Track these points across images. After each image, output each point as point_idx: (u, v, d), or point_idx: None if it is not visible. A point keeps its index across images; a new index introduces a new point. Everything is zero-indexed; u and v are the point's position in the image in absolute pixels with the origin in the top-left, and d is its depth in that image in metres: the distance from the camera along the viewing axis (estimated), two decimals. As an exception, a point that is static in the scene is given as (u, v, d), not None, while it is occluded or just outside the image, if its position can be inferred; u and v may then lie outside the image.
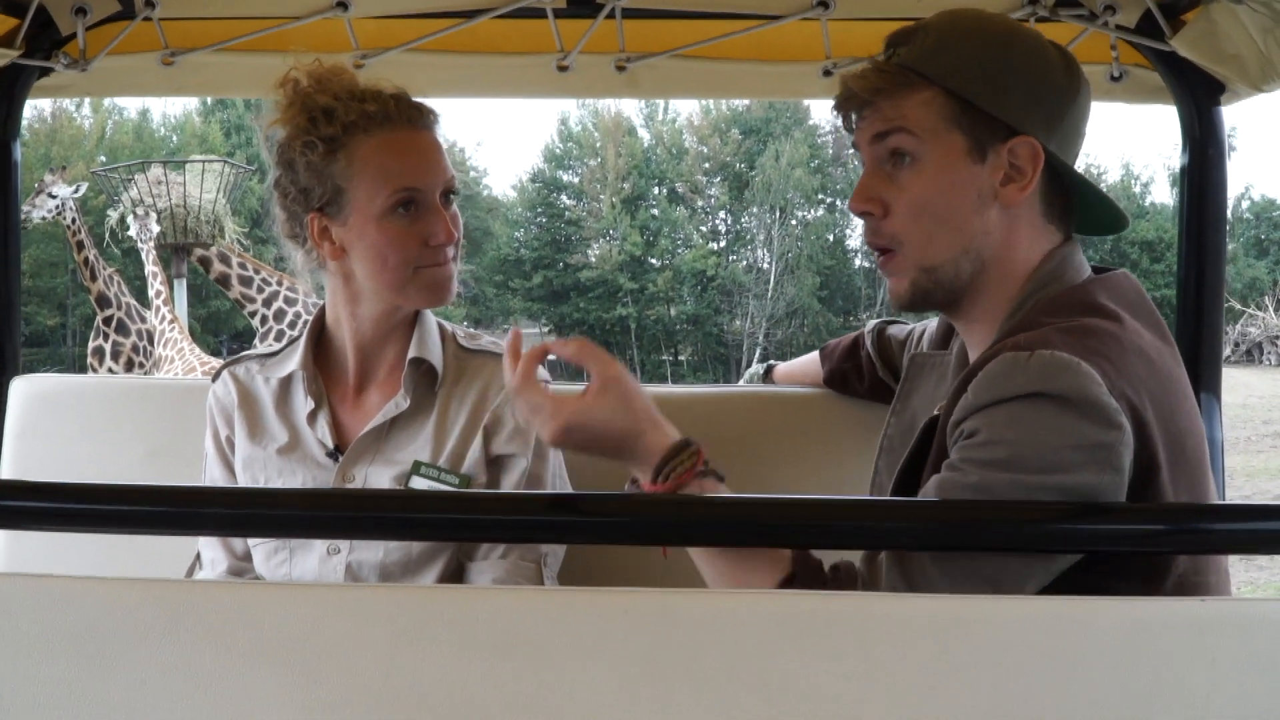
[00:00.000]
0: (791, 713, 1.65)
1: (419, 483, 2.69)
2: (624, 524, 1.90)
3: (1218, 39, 2.92)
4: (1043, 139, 2.18)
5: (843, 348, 3.24)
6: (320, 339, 2.87)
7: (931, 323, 2.73)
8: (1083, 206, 2.31)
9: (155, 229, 14.84)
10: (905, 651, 1.66)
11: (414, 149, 2.68)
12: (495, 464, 2.76)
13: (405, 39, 3.29)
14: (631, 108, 51.07)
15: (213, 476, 2.91)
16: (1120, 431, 1.94)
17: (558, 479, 2.83)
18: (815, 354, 3.34)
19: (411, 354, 2.76)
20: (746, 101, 45.47)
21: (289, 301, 15.52)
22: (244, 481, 2.83)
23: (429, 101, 2.76)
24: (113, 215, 16.37)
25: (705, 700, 1.66)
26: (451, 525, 1.98)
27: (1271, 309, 34.73)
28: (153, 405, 3.48)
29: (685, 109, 50.61)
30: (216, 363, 13.49)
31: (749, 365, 3.59)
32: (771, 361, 3.55)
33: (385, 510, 1.94)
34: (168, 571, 2.90)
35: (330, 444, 2.76)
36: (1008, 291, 2.24)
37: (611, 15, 3.18)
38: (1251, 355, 34.22)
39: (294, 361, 2.83)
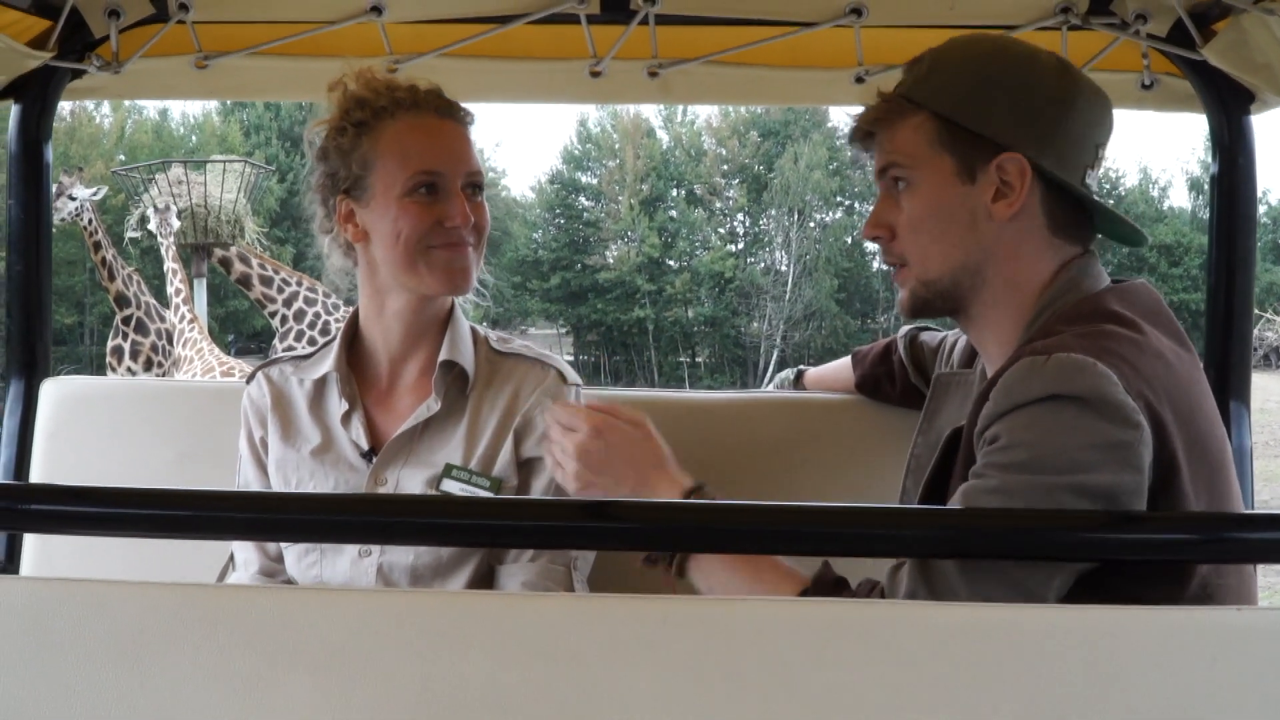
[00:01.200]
0: (827, 718, 1.66)
1: (451, 485, 2.70)
2: (654, 530, 1.91)
3: (1248, 48, 2.92)
4: (1033, 154, 2.21)
5: (875, 353, 3.26)
6: (354, 341, 2.87)
7: (963, 335, 2.74)
8: (1100, 217, 2.33)
9: (176, 224, 14.86)
10: (939, 659, 1.67)
11: (438, 134, 2.71)
12: (526, 467, 2.76)
13: (439, 44, 3.29)
14: (650, 110, 51.10)
15: (246, 478, 2.92)
16: (1139, 430, 1.95)
17: None
18: (847, 359, 3.35)
19: (443, 356, 2.76)
20: (761, 107, 45.53)
21: (309, 302, 15.54)
22: (276, 483, 2.83)
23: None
24: (134, 214, 16.39)
25: (743, 707, 1.67)
26: (479, 531, 1.97)
27: (1290, 315, 34.60)
28: (183, 408, 3.49)
29: (704, 111, 50.62)
30: (235, 363, 13.55)
31: (767, 367, 3.60)
32: (802, 367, 3.54)
33: (411, 515, 1.94)
34: (198, 575, 2.91)
35: (365, 445, 2.77)
36: (1020, 305, 2.27)
37: (645, 21, 3.18)
38: (1269, 360, 34.16)
39: (328, 363, 2.83)
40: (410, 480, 2.73)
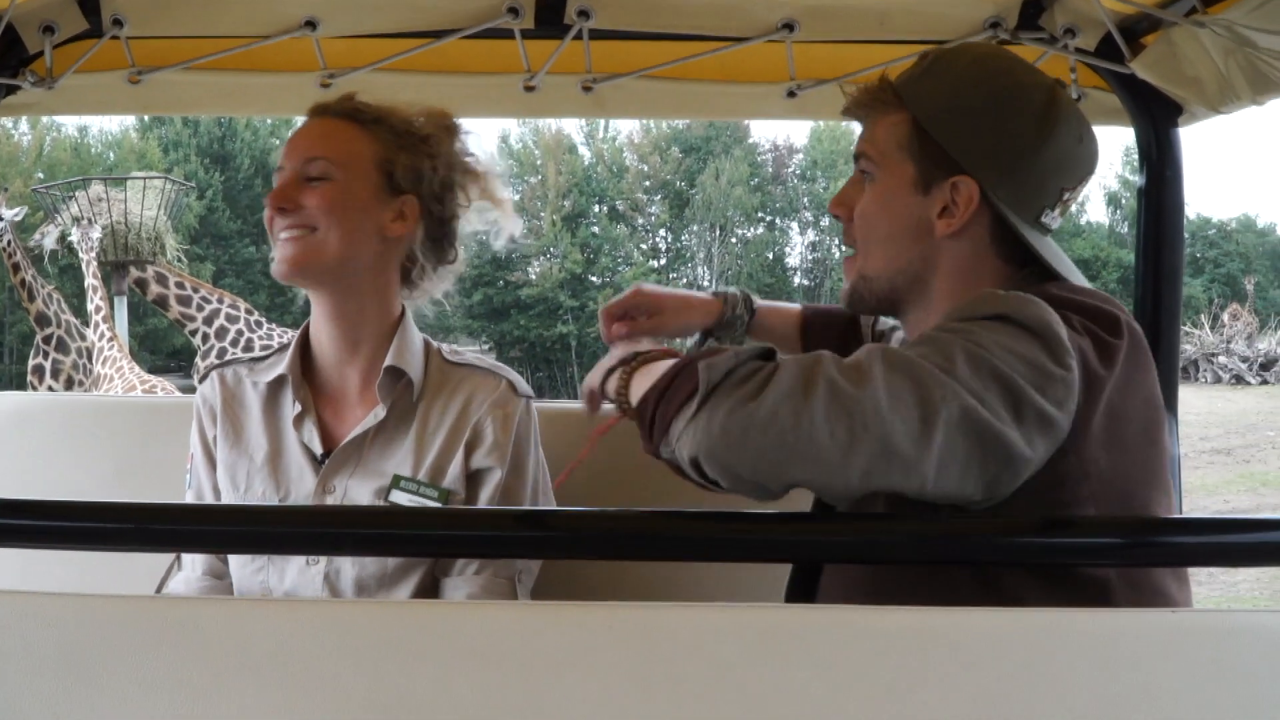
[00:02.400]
0: (773, 724, 1.66)
1: (399, 496, 2.68)
2: (592, 539, 1.93)
3: (1178, 62, 2.95)
4: (989, 184, 2.20)
5: (833, 329, 3.08)
6: (305, 347, 2.86)
7: None
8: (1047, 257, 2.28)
9: (97, 235, 14.74)
10: (884, 663, 1.69)
11: (303, 131, 2.77)
12: (473, 479, 2.76)
13: (373, 58, 3.28)
14: (572, 125, 51.10)
15: (198, 475, 2.89)
16: (1070, 374, 1.90)
17: (541, 495, 2.83)
18: (795, 310, 3.18)
19: (388, 363, 2.75)
20: (684, 121, 45.65)
21: (230, 319, 15.45)
22: (224, 485, 2.82)
23: None
24: (52, 232, 16.22)
25: (688, 713, 1.68)
26: (420, 541, 2.00)
27: (1207, 326, 35.01)
28: (121, 423, 3.45)
29: (626, 127, 50.70)
30: (155, 381, 13.42)
31: None
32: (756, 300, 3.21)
33: (350, 526, 1.95)
34: (139, 587, 2.88)
35: (319, 449, 2.76)
36: None
37: (579, 36, 3.18)
38: (1187, 372, 34.45)
39: (282, 365, 2.82)
40: (358, 490, 2.72)
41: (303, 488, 2.75)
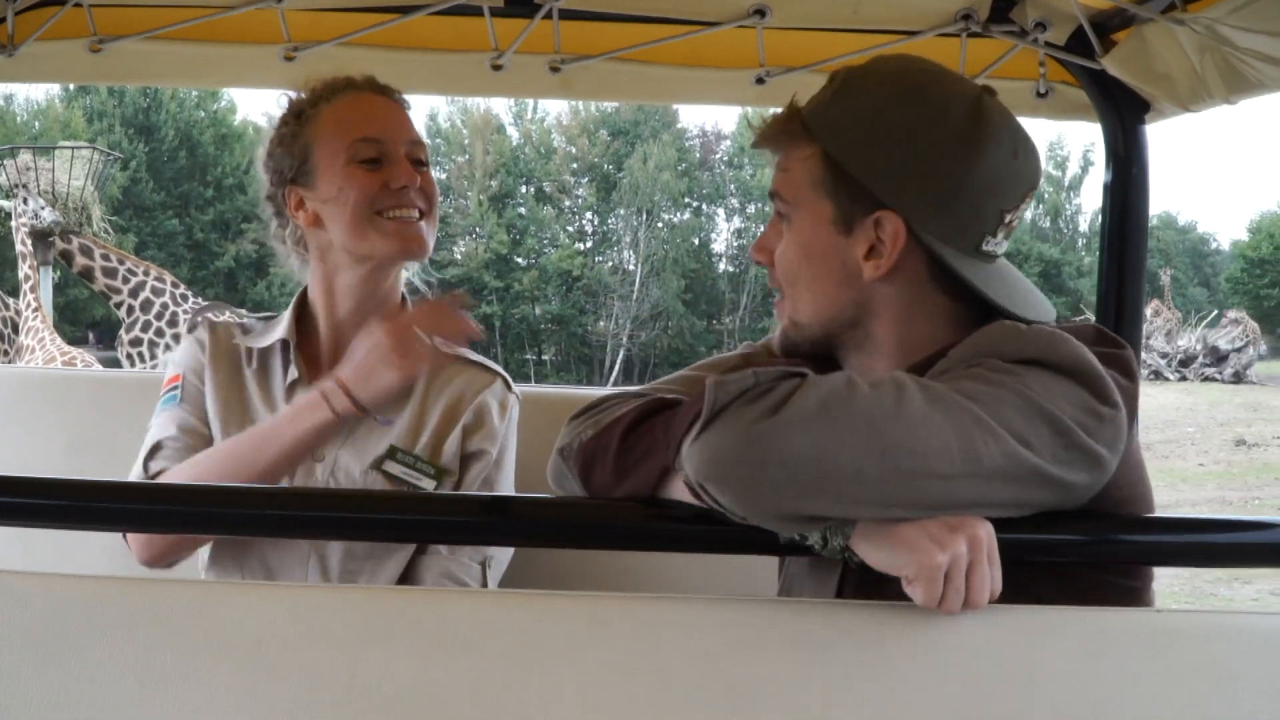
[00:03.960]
0: (753, 717, 1.66)
1: (393, 467, 2.67)
2: (552, 525, 1.95)
3: (1149, 58, 2.95)
4: (916, 219, 1.99)
5: None
6: (300, 319, 2.83)
7: None
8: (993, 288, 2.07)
9: (49, 216, 14.60)
10: (866, 658, 1.69)
11: (375, 106, 2.72)
12: (466, 460, 2.75)
13: (338, 33, 3.25)
14: (500, 105, 51.17)
15: (188, 396, 2.81)
16: (1119, 412, 1.81)
17: (507, 489, 2.82)
18: None
19: None
20: (615, 103, 45.84)
21: (156, 291, 15.34)
22: (218, 436, 2.76)
23: None
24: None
25: (668, 703, 1.68)
26: (382, 525, 1.99)
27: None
28: (72, 397, 3.40)
29: (555, 108, 50.86)
30: (75, 352, 13.31)
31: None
32: None
33: (319, 509, 1.96)
34: (93, 565, 2.83)
35: None
36: (914, 359, 2.04)
37: (548, 16, 3.17)
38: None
39: (279, 331, 2.78)
40: (348, 459, 2.69)
41: None
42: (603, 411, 2.09)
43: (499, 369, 2.86)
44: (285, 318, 2.81)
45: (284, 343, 2.78)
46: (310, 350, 2.81)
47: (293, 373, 2.75)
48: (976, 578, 1.68)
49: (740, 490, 1.69)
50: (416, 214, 2.68)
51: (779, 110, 2.13)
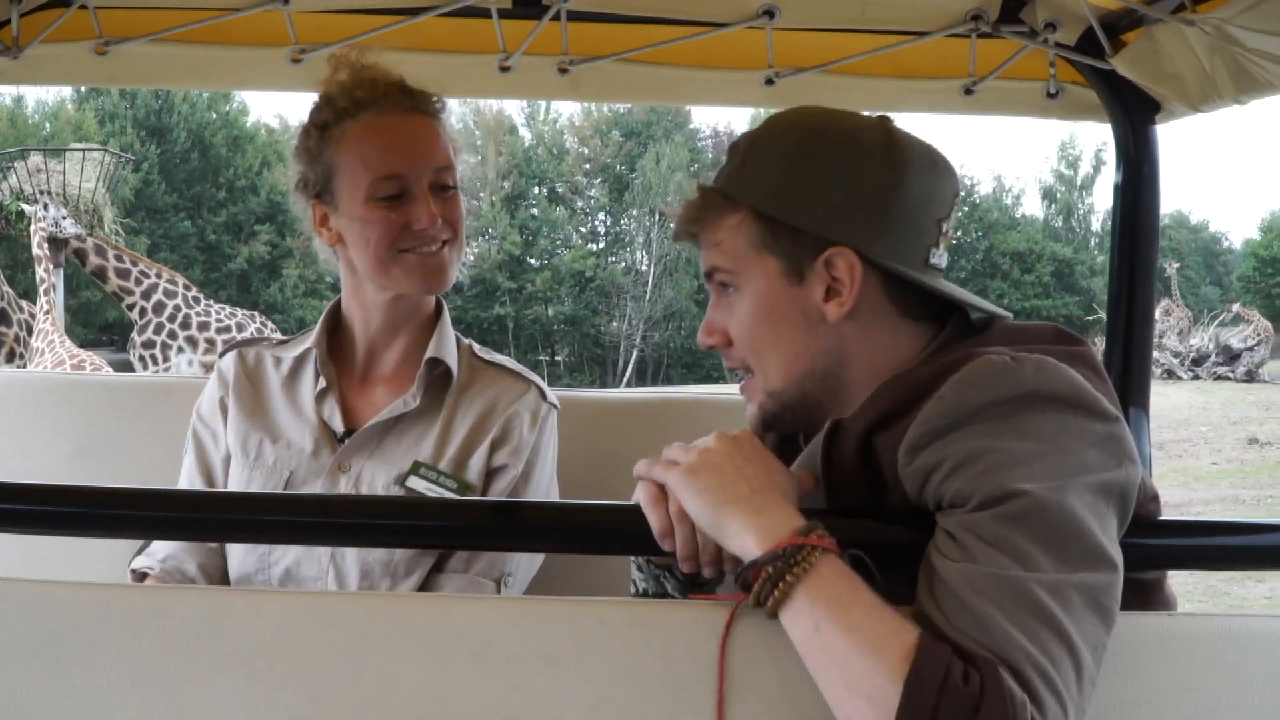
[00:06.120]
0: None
1: (417, 483, 2.67)
2: (563, 529, 1.94)
3: (1159, 58, 2.95)
4: (864, 245, 2.00)
5: None
6: (335, 328, 2.85)
7: None
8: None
9: (71, 229, 14.64)
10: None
11: (399, 134, 2.68)
12: (491, 475, 2.74)
13: (345, 34, 3.22)
14: (513, 106, 51.23)
15: (207, 438, 2.86)
16: (1118, 422, 1.79)
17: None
18: None
19: (429, 354, 2.75)
20: (626, 105, 45.85)
21: (169, 294, 15.38)
22: (234, 448, 2.79)
23: None
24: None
25: (679, 708, 1.68)
26: (389, 531, 1.98)
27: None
28: (78, 402, 3.40)
29: (567, 109, 50.90)
30: (85, 355, 13.34)
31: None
32: None
33: (327, 516, 1.96)
34: (98, 574, 2.83)
35: (339, 427, 2.74)
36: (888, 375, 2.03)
37: (557, 17, 3.16)
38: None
39: (309, 341, 2.81)
40: (374, 472, 2.69)
41: (316, 464, 2.72)
42: None
43: (534, 377, 2.86)
44: (315, 328, 2.83)
45: (314, 351, 2.80)
46: (343, 362, 2.83)
47: (321, 382, 2.77)
48: None
49: None
50: (440, 250, 2.68)
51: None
